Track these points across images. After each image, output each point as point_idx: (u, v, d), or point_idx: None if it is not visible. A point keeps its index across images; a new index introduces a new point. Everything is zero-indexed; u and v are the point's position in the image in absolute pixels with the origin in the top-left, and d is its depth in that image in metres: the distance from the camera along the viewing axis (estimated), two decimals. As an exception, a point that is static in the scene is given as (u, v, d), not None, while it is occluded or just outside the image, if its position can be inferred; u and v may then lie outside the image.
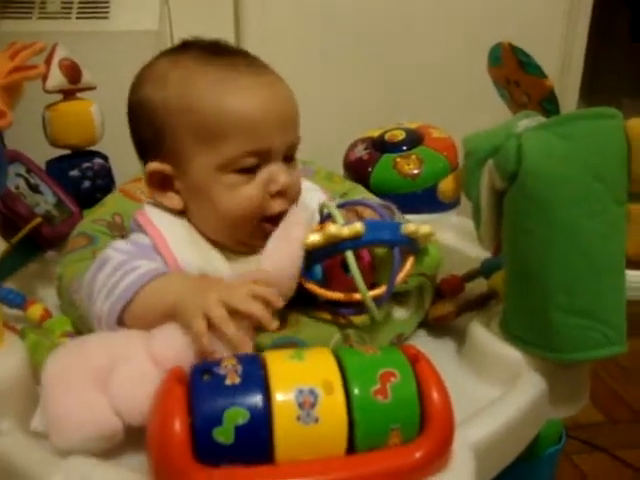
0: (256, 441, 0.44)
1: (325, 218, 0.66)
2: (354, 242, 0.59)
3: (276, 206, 0.64)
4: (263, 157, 0.63)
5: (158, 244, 0.63)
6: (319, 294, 0.61)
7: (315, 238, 0.59)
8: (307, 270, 0.61)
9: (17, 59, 0.56)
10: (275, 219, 0.64)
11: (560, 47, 1.65)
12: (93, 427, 0.49)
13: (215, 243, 0.66)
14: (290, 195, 0.65)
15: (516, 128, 0.62)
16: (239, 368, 0.47)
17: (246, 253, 0.65)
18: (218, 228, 0.65)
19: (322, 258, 0.61)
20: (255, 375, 0.46)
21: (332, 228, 0.58)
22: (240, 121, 0.61)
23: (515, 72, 0.74)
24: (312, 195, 0.72)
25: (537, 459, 0.71)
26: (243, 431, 0.44)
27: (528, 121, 0.64)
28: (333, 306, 0.62)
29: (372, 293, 0.60)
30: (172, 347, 0.52)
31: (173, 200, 0.66)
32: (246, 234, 0.65)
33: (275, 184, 0.63)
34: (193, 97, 0.62)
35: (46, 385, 0.51)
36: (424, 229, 0.62)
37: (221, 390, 0.45)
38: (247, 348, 0.52)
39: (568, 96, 1.66)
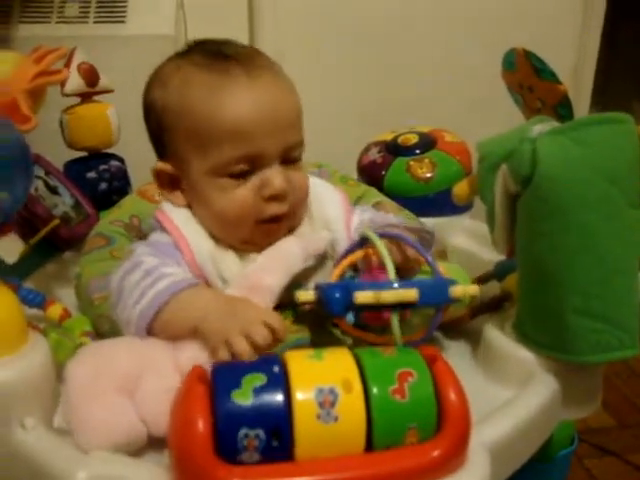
0: (273, 402, 0.45)
1: (363, 242, 0.63)
2: (405, 305, 0.56)
3: (271, 209, 0.63)
4: (255, 162, 0.62)
5: (177, 241, 0.64)
6: (355, 335, 0.60)
7: (367, 298, 0.55)
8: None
9: (42, 63, 0.57)
10: (275, 219, 0.64)
11: (573, 51, 1.65)
12: (122, 434, 0.50)
13: (222, 241, 0.66)
14: (291, 199, 0.64)
15: (530, 133, 0.63)
16: None
17: (254, 251, 0.65)
18: (218, 227, 0.65)
19: (365, 310, 0.57)
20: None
21: (389, 295, 0.55)
22: (228, 128, 0.61)
23: (529, 78, 0.75)
24: (331, 196, 0.71)
25: (550, 461, 0.71)
26: (260, 392, 0.45)
27: (542, 126, 0.64)
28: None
29: (408, 338, 0.57)
30: (199, 362, 0.52)
31: (179, 199, 0.67)
32: (246, 234, 0.65)
33: (268, 188, 0.62)
34: (187, 103, 0.63)
35: (73, 389, 0.51)
36: (472, 291, 0.59)
37: (240, 363, 0.49)
38: None
39: (580, 100, 1.66)
